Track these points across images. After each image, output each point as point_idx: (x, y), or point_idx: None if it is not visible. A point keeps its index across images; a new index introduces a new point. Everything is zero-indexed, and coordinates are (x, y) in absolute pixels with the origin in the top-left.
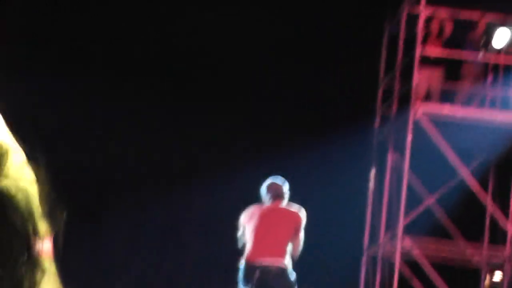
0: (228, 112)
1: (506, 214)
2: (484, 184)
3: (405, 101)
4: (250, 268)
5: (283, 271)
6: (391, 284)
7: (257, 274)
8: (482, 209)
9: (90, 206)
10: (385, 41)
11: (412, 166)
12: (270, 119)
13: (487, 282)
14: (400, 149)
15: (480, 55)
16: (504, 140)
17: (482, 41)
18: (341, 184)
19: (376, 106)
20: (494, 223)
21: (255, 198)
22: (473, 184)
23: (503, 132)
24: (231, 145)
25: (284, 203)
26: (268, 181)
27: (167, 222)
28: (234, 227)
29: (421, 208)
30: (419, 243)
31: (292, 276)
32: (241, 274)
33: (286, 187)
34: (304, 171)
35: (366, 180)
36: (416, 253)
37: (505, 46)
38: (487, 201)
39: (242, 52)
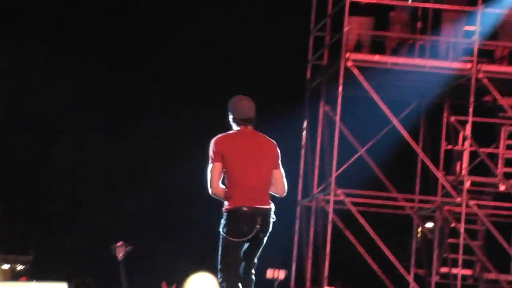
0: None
1: (437, 164)
2: (415, 135)
3: (336, 50)
4: (247, 214)
5: (270, 214)
6: (324, 234)
7: (256, 221)
8: (414, 158)
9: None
10: None
11: (344, 117)
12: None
13: (419, 230)
14: (331, 100)
15: (409, 2)
16: (433, 87)
17: None
18: (274, 136)
19: (307, 55)
20: (426, 173)
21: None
22: (405, 134)
23: (433, 79)
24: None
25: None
26: (238, 99)
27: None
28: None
29: (353, 159)
30: (352, 194)
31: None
32: (228, 223)
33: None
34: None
35: (300, 131)
36: (349, 203)
37: None
38: (419, 150)
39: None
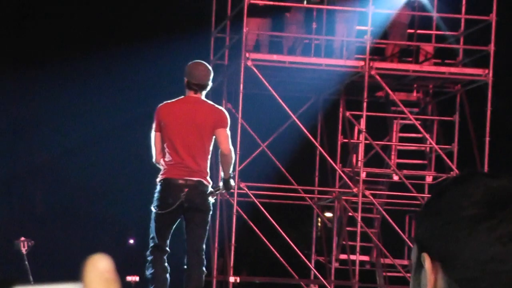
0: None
1: (334, 157)
2: (313, 129)
3: (236, 51)
4: (173, 186)
5: (199, 187)
6: (230, 225)
7: (182, 193)
8: (313, 151)
9: None
10: None
11: (245, 114)
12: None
13: (319, 219)
14: (233, 97)
15: (304, 4)
16: (329, 84)
17: None
18: None
19: (209, 56)
20: (324, 165)
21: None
22: (303, 129)
23: (329, 76)
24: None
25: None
26: (196, 64)
27: None
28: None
29: (255, 154)
30: (255, 187)
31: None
32: (156, 195)
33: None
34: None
35: None
36: (252, 196)
37: None
38: (317, 144)
39: None
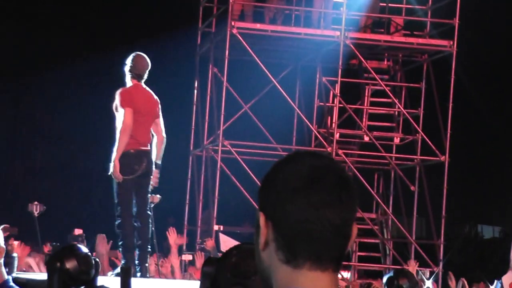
0: None
1: (311, 119)
2: (292, 93)
3: (223, 19)
4: (137, 155)
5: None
6: (214, 180)
7: (144, 161)
8: (291, 114)
9: None
10: None
11: (230, 78)
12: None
13: None
14: (219, 63)
15: None
16: (308, 52)
17: None
18: (168, 94)
19: (198, 24)
20: (301, 126)
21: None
22: (283, 92)
23: (307, 45)
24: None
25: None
26: (141, 57)
27: None
28: None
29: (238, 114)
30: (238, 145)
31: None
32: (126, 162)
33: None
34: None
35: (192, 90)
36: (235, 153)
37: None
38: (295, 107)
39: None
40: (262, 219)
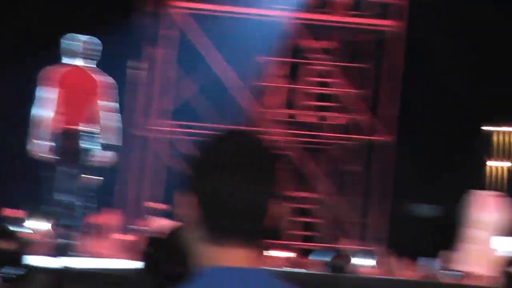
0: None
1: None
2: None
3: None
4: (64, 135)
5: (90, 137)
6: (151, 160)
7: (74, 140)
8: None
9: None
10: None
11: (170, 58)
12: None
13: None
14: (164, 43)
15: None
16: (252, 32)
17: None
18: (110, 75)
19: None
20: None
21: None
22: (228, 72)
23: (252, 25)
24: None
25: (92, 64)
26: (81, 37)
27: None
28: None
29: (184, 96)
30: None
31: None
32: (52, 142)
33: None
34: None
35: (136, 70)
36: (173, 133)
37: None
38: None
39: None
40: (186, 198)
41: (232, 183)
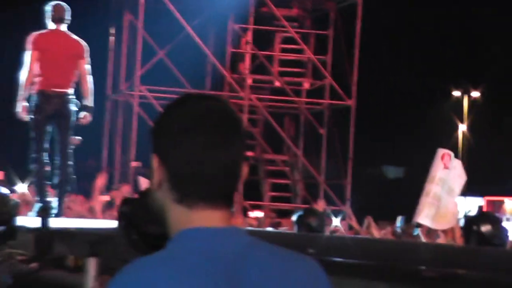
0: None
1: (225, 64)
2: (205, 40)
3: None
4: (44, 96)
5: (69, 99)
6: (131, 124)
7: (54, 101)
8: (204, 60)
9: None
10: None
11: (146, 24)
12: None
13: None
14: (135, 10)
15: None
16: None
17: None
18: (85, 40)
19: None
20: (216, 72)
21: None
22: (197, 39)
23: None
24: None
25: (65, 28)
26: (52, 2)
27: None
28: None
29: (154, 61)
30: (154, 90)
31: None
32: (33, 103)
33: (69, 12)
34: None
35: (107, 37)
36: (151, 97)
37: None
38: (209, 53)
39: None
40: (154, 160)
41: (207, 147)
